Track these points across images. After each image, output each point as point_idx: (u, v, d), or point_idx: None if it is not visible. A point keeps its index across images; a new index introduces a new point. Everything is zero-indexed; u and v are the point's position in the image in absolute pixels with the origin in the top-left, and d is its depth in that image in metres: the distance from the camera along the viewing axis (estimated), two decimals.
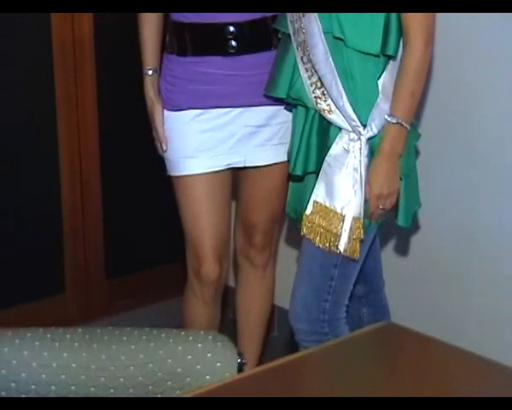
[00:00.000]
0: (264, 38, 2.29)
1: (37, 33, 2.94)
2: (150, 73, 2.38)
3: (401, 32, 2.05)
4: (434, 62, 2.44)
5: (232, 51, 2.27)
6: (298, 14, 2.10)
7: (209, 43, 2.28)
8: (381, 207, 2.10)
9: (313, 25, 2.06)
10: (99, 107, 3.09)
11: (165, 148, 2.37)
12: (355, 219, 2.10)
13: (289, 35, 2.16)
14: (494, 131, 2.47)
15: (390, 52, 2.05)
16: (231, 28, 2.26)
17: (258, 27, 2.28)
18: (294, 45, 2.15)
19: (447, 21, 2.33)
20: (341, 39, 2.04)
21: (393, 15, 2.03)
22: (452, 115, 2.56)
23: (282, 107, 2.32)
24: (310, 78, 2.13)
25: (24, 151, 3.00)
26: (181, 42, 2.31)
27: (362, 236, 2.11)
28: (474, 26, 2.43)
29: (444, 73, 2.52)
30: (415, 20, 2.01)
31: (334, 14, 2.03)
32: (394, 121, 2.05)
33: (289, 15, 2.14)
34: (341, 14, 2.02)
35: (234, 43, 2.27)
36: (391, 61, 2.08)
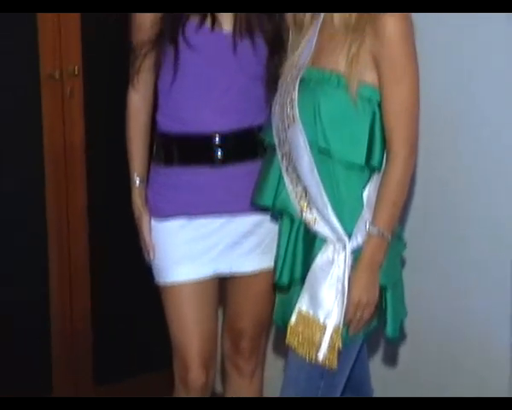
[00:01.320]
0: (249, 148, 2.33)
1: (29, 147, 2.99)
2: (137, 183, 2.41)
3: (385, 143, 2.08)
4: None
5: (218, 161, 2.31)
6: (283, 125, 2.13)
7: (195, 153, 2.32)
8: (358, 315, 2.10)
9: (298, 136, 2.09)
10: (89, 215, 3.13)
11: (152, 256, 2.39)
12: (335, 329, 2.09)
13: (275, 146, 2.19)
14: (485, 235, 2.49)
15: (375, 164, 2.08)
16: (217, 139, 2.30)
17: (243, 137, 2.32)
18: (279, 156, 2.18)
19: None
20: (326, 151, 2.07)
21: (377, 127, 2.07)
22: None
23: (268, 214, 2.34)
24: (295, 188, 2.16)
25: (13, 259, 3.02)
26: (168, 152, 2.35)
27: (340, 346, 2.09)
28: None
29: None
30: (398, 133, 2.04)
31: (319, 126, 2.06)
32: (375, 232, 2.06)
33: (275, 126, 2.18)
34: (326, 126, 2.05)
35: (220, 153, 2.30)
36: (375, 173, 2.10)
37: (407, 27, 2.02)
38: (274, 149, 2.20)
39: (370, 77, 2.04)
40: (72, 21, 2.97)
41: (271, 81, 2.28)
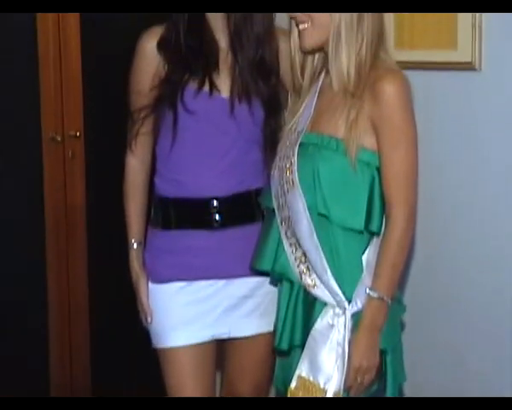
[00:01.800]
0: (247, 212, 2.33)
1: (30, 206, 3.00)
2: (135, 246, 2.41)
3: (384, 208, 2.08)
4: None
5: (216, 225, 2.31)
6: (283, 189, 2.13)
7: (193, 217, 2.32)
8: (359, 380, 2.08)
9: (298, 201, 2.09)
10: (90, 277, 3.13)
11: (149, 320, 2.37)
12: (335, 394, 2.07)
13: (274, 210, 2.19)
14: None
15: (374, 228, 2.07)
16: (215, 203, 2.30)
17: (241, 201, 2.32)
18: (278, 220, 2.17)
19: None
20: (326, 216, 2.07)
21: (376, 192, 2.07)
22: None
23: (267, 277, 2.33)
24: (294, 252, 2.15)
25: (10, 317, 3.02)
26: (165, 216, 2.35)
27: None
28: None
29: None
30: (397, 197, 2.05)
31: (318, 191, 2.06)
32: (376, 296, 2.05)
33: (274, 190, 2.18)
34: (326, 191, 2.05)
35: (217, 217, 2.30)
36: (375, 237, 2.09)
37: (405, 92, 2.04)
38: (273, 214, 2.20)
39: (369, 142, 2.05)
40: (73, 85, 3.01)
41: (269, 145, 2.29)
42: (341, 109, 2.07)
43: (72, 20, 2.99)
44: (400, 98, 2.02)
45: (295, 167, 2.09)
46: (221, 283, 2.34)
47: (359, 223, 2.06)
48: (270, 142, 2.29)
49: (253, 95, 2.27)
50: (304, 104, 2.18)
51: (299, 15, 2.08)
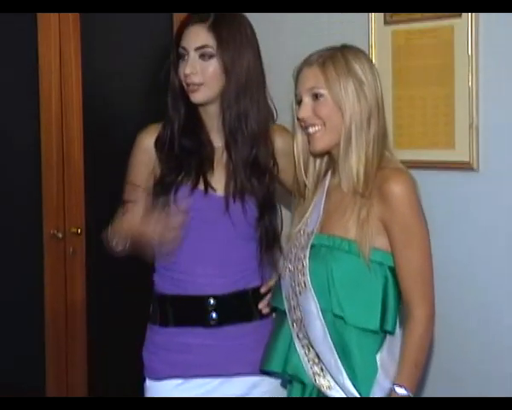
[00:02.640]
0: (244, 311, 2.34)
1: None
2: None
3: (398, 307, 2.08)
4: None
5: (213, 323, 2.31)
6: (294, 291, 2.13)
7: (190, 314, 2.32)
8: None
9: (310, 303, 2.09)
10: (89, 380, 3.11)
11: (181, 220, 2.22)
12: None
13: (284, 311, 2.18)
14: None
15: (388, 328, 2.07)
16: (212, 301, 2.30)
17: (238, 300, 2.33)
18: (290, 322, 2.17)
19: None
20: (341, 317, 2.06)
21: (391, 292, 2.08)
22: None
23: (264, 376, 2.31)
24: (307, 354, 2.14)
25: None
26: (163, 313, 2.35)
27: None
28: None
29: None
30: (415, 295, 2.06)
31: (333, 293, 2.06)
32: (403, 392, 2.03)
33: (285, 292, 2.18)
34: (340, 292, 2.06)
35: (214, 315, 2.31)
36: (388, 336, 2.09)
37: (412, 191, 2.07)
38: (283, 314, 2.20)
39: (381, 241, 2.07)
40: (75, 182, 3.04)
41: (264, 244, 2.33)
42: (351, 210, 2.09)
43: (76, 117, 3.03)
44: (408, 198, 2.05)
45: (307, 270, 2.09)
46: (217, 381, 2.33)
47: (375, 323, 2.06)
48: (266, 241, 2.32)
49: (247, 193, 2.30)
50: (312, 205, 2.20)
51: (310, 118, 2.12)
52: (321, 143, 2.12)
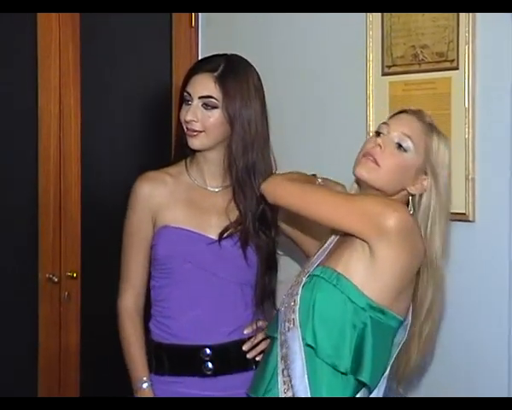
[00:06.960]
0: (240, 360, 2.33)
1: None
2: (145, 386, 2.34)
3: (378, 362, 2.05)
4: None
5: (208, 373, 2.30)
6: (285, 327, 2.13)
7: (186, 364, 2.32)
8: None
9: (295, 341, 2.09)
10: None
11: None
12: None
13: (277, 338, 2.18)
14: None
15: (364, 378, 2.04)
16: (208, 351, 2.30)
17: (234, 350, 2.33)
18: (279, 357, 2.15)
19: None
20: (313, 348, 2.05)
21: (368, 341, 2.04)
22: None
23: None
24: (285, 391, 2.12)
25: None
26: (158, 361, 2.34)
27: None
28: None
29: None
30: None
31: (310, 322, 2.06)
32: None
33: (279, 326, 2.17)
34: (317, 323, 2.06)
35: (210, 365, 2.30)
36: (365, 389, 2.06)
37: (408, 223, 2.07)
38: (276, 344, 2.18)
39: (371, 288, 2.06)
40: (72, 227, 3.04)
41: (260, 302, 2.35)
42: (350, 245, 2.10)
43: (74, 162, 3.05)
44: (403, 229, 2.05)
45: (297, 307, 2.10)
46: None
47: (344, 365, 2.03)
48: (261, 299, 2.35)
49: (251, 244, 2.31)
50: (322, 249, 2.22)
51: None
52: None
